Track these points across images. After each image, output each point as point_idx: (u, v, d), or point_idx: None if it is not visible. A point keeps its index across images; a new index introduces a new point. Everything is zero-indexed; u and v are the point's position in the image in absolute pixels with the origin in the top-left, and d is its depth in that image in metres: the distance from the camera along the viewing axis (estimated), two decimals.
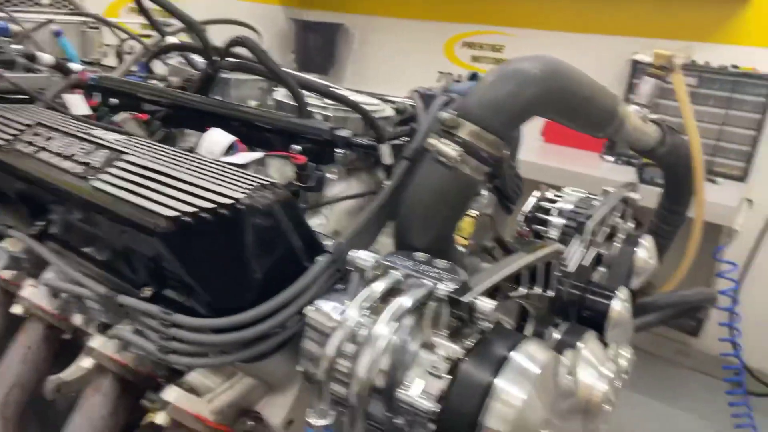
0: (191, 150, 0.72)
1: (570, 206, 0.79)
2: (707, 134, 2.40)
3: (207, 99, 0.80)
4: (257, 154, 0.69)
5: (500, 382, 0.47)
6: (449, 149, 0.57)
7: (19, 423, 0.75)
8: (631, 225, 0.89)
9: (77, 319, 0.75)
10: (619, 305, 0.77)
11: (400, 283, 0.54)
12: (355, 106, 0.72)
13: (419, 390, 0.49)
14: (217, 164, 0.61)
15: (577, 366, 0.68)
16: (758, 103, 2.30)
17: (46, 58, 0.89)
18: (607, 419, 0.72)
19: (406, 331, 0.51)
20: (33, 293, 0.76)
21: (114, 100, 0.86)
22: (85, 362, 0.67)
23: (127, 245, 0.61)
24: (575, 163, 2.45)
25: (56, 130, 0.69)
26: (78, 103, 0.83)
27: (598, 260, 0.86)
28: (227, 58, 0.80)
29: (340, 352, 0.50)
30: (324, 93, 0.73)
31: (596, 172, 2.36)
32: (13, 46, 0.92)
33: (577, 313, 0.79)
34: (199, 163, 0.61)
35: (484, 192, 0.92)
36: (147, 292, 0.61)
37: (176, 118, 0.81)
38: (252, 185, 0.55)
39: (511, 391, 0.47)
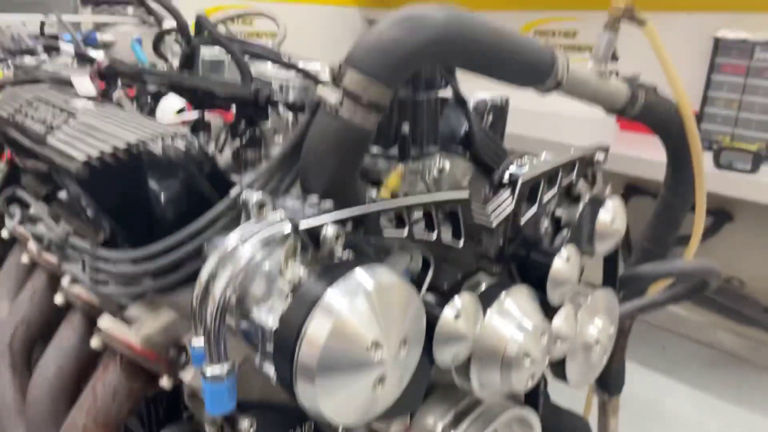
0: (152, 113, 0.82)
1: (522, 169, 0.77)
2: None
3: (174, 73, 0.90)
4: (195, 113, 0.76)
5: (328, 294, 0.49)
6: (331, 96, 0.60)
7: (22, 356, 0.88)
8: (600, 187, 0.85)
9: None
10: (560, 263, 0.75)
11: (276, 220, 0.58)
12: (293, 66, 0.77)
13: (266, 310, 0.53)
14: (146, 121, 0.69)
15: (487, 315, 0.68)
16: None
17: (68, 48, 1.04)
18: (531, 375, 0.71)
19: (269, 261, 0.55)
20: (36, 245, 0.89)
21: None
22: (58, 299, 0.78)
23: (74, 191, 0.71)
24: (650, 150, 2.29)
25: (46, 102, 0.82)
26: (84, 85, 0.96)
27: (557, 224, 0.84)
28: (197, 36, 0.89)
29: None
30: (264, 57, 0.79)
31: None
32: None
33: (519, 271, 0.78)
34: (134, 121, 0.69)
35: (465, 162, 0.94)
36: (101, 234, 0.71)
37: (158, 91, 0.91)
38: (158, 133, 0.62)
39: (335, 303, 0.48)
